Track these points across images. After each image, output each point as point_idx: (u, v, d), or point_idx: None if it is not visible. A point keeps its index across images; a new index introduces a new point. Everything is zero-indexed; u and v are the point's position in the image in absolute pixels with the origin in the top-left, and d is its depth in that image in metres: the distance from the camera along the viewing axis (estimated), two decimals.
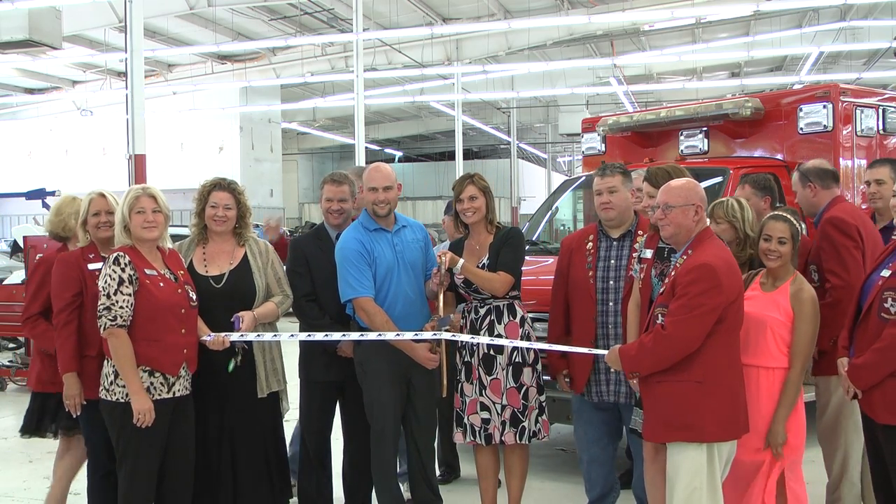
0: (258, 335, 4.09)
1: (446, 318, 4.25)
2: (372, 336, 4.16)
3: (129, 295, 3.76)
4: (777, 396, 3.71)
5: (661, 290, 3.65)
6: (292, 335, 4.28)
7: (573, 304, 4.37)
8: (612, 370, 4.16)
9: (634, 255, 4.16)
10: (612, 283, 4.24)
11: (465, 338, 4.27)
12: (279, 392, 4.33)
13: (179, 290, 3.90)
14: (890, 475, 3.64)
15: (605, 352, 3.87)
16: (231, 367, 4.07)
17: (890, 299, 3.54)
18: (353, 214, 4.66)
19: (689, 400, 3.47)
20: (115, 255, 3.82)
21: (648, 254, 4.01)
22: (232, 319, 4.04)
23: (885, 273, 3.63)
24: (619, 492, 4.58)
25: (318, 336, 4.22)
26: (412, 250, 4.42)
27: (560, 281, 4.46)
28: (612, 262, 4.28)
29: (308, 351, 4.56)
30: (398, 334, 4.18)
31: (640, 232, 4.23)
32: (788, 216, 3.88)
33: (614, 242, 4.32)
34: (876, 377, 3.54)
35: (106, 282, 3.76)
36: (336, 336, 4.25)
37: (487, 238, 4.38)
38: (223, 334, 3.97)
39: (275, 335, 4.20)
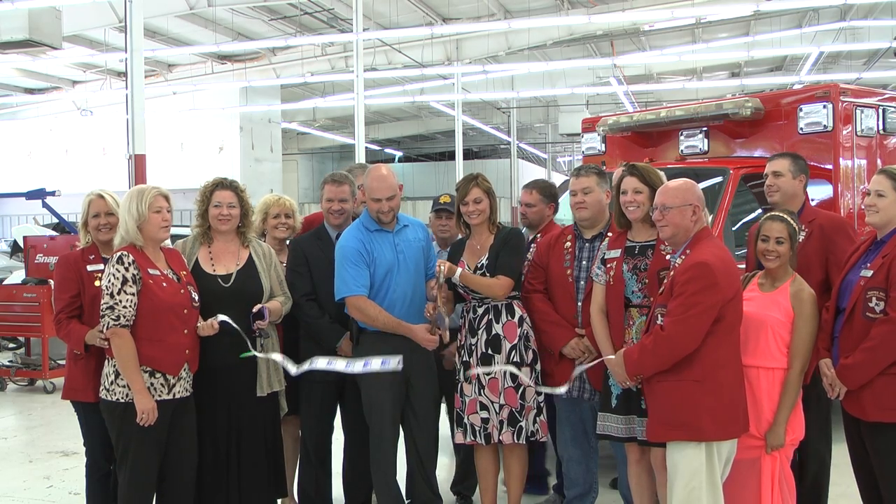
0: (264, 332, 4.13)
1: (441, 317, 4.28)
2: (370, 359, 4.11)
3: (133, 294, 3.76)
4: (777, 397, 3.71)
5: (661, 289, 3.66)
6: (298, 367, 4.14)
7: (554, 301, 4.38)
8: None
9: (599, 254, 4.17)
10: (582, 283, 4.28)
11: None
12: (278, 392, 4.33)
13: (182, 291, 3.91)
14: (876, 478, 3.65)
15: (611, 356, 3.86)
16: (245, 356, 4.02)
17: (874, 298, 3.57)
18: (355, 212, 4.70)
19: (687, 399, 3.48)
20: (118, 254, 3.83)
21: (615, 254, 4.01)
22: (255, 310, 4.06)
23: (867, 273, 3.63)
24: (598, 491, 4.59)
25: (321, 363, 4.09)
26: (413, 250, 4.42)
27: (538, 272, 4.45)
28: (584, 262, 4.31)
29: (308, 351, 4.56)
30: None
31: (609, 234, 4.25)
32: (786, 216, 3.88)
33: (586, 244, 4.34)
34: (867, 376, 3.56)
35: (109, 281, 3.77)
36: (339, 366, 4.09)
37: (489, 238, 4.39)
38: (217, 320, 3.95)
39: (283, 358, 4.16)
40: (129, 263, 3.79)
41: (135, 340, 3.76)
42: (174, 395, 3.85)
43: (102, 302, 3.77)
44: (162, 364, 3.81)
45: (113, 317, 3.73)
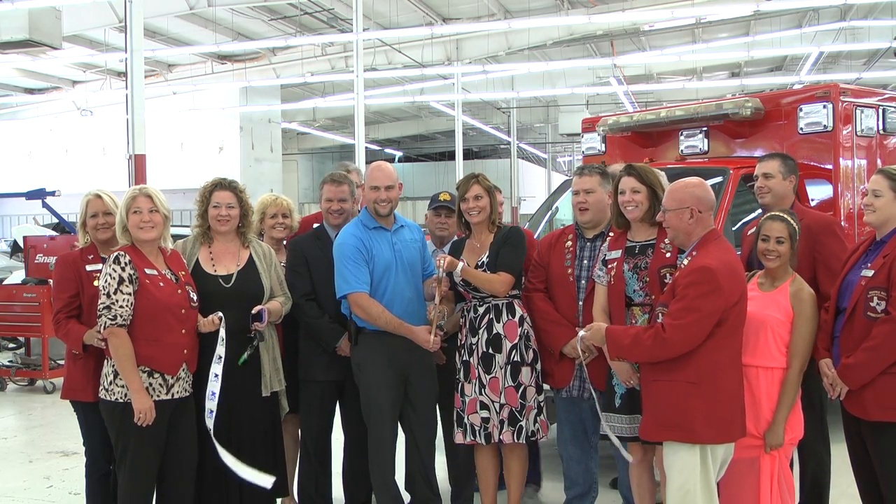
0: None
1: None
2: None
3: (129, 294, 3.76)
4: (776, 396, 3.71)
5: (664, 288, 3.66)
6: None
7: (554, 300, 4.38)
8: (585, 367, 4.20)
9: (600, 256, 4.17)
10: (583, 282, 4.29)
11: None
12: (278, 392, 4.33)
13: (180, 291, 3.90)
14: (876, 478, 3.65)
15: (586, 332, 3.82)
16: (242, 359, 4.08)
17: (875, 298, 3.57)
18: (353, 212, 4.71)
19: (681, 400, 3.47)
20: (115, 254, 3.83)
21: (615, 255, 4.02)
22: (254, 311, 4.06)
23: (868, 273, 3.63)
24: (598, 491, 4.60)
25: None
26: (410, 250, 4.44)
27: (540, 271, 4.45)
28: (585, 262, 4.32)
29: (308, 350, 4.56)
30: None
31: (611, 234, 4.26)
32: (786, 216, 3.87)
33: (588, 243, 4.34)
34: (868, 376, 3.56)
35: (106, 281, 3.76)
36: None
37: (489, 237, 4.39)
38: (216, 315, 3.96)
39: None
40: (126, 263, 3.79)
41: (132, 340, 3.75)
42: (173, 395, 3.85)
43: (99, 302, 3.77)
44: (160, 364, 3.81)
45: (110, 316, 3.73)
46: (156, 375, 3.81)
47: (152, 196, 3.91)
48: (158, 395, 3.80)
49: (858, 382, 3.60)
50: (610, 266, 4.02)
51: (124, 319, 3.74)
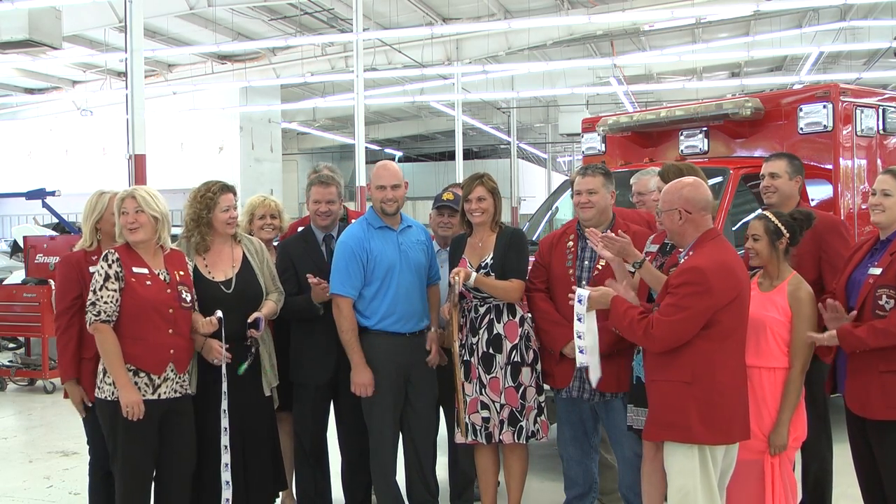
0: None
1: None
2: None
3: (115, 291, 3.77)
4: (779, 397, 3.70)
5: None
6: None
7: (555, 301, 4.37)
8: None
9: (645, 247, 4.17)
10: (584, 282, 4.26)
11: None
12: (273, 388, 4.32)
13: (169, 290, 3.87)
14: (881, 478, 3.64)
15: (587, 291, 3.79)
16: (242, 368, 4.07)
17: (884, 296, 3.55)
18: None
19: (677, 400, 3.48)
20: (105, 252, 3.86)
21: (653, 248, 4.04)
22: (251, 320, 4.05)
23: (875, 271, 3.63)
24: (598, 491, 4.60)
25: None
26: (416, 251, 4.44)
27: (541, 271, 4.45)
28: (586, 262, 4.31)
29: (300, 352, 4.55)
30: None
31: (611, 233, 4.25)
32: (768, 215, 3.85)
33: (589, 243, 4.34)
34: (862, 348, 3.55)
35: (94, 278, 3.80)
36: None
37: (490, 236, 4.39)
38: (215, 316, 3.95)
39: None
40: (113, 261, 3.81)
41: (119, 338, 3.76)
42: (160, 395, 3.83)
43: (87, 298, 3.79)
44: (144, 362, 3.80)
45: (94, 312, 3.75)
46: (141, 374, 3.80)
47: (137, 197, 3.85)
48: (144, 395, 3.79)
49: (851, 348, 3.61)
50: (647, 258, 4.03)
51: (108, 315, 3.76)
